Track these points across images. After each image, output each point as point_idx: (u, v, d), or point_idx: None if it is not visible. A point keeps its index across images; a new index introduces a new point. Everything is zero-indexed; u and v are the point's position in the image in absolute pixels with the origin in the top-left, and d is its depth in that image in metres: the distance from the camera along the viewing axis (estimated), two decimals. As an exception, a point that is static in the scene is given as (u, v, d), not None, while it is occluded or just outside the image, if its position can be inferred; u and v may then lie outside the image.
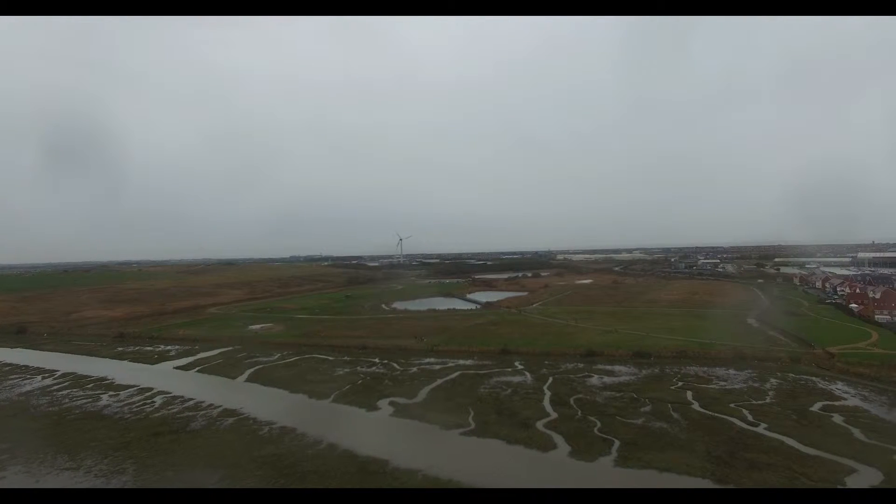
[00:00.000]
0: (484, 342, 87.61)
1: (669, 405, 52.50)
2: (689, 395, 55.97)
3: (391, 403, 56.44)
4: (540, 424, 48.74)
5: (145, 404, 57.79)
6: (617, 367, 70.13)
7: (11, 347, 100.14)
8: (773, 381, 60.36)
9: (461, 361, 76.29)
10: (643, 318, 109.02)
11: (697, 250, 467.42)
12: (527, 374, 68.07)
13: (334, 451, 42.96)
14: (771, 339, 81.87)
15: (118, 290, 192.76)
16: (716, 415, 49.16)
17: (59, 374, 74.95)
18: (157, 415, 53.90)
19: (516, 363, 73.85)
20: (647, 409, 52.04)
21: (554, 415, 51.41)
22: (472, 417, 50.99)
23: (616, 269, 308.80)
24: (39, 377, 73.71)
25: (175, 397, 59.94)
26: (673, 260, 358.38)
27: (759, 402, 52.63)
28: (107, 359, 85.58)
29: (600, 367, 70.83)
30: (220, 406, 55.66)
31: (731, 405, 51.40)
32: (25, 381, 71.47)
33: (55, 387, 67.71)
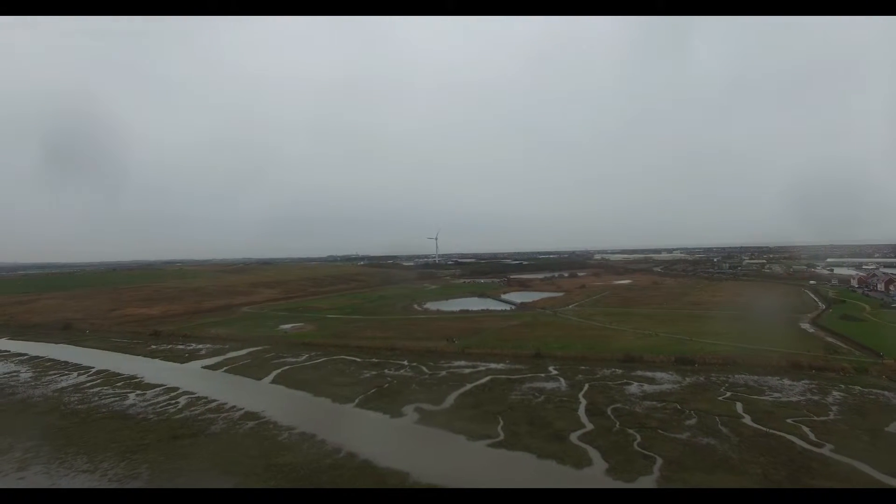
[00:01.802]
0: (517, 345, 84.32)
1: (717, 418, 48.01)
2: (739, 407, 51.22)
3: (416, 409, 53.96)
4: (574, 437, 45.29)
5: (169, 405, 57.29)
6: (658, 374, 65.69)
7: (56, 343, 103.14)
8: (835, 394, 54.71)
9: (492, 365, 73.26)
10: (685, 321, 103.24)
11: (742, 250, 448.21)
12: (561, 379, 64.48)
13: (353, 460, 40.77)
14: (830, 347, 75.28)
15: (158, 288, 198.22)
16: (771, 431, 44.39)
17: (93, 371, 76.04)
18: (178, 416, 53.15)
19: (550, 368, 70.26)
20: (693, 422, 47.76)
21: (589, 426, 47.82)
22: (502, 427, 47.94)
23: (656, 269, 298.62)
24: (75, 374, 74.91)
25: (199, 398, 59.28)
26: (716, 260, 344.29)
27: (822, 418, 47.35)
28: (140, 356, 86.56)
29: (640, 373, 66.56)
30: (243, 409, 54.48)
31: (789, 421, 46.37)
32: (62, 378, 72.70)
33: (88, 384, 68.44)
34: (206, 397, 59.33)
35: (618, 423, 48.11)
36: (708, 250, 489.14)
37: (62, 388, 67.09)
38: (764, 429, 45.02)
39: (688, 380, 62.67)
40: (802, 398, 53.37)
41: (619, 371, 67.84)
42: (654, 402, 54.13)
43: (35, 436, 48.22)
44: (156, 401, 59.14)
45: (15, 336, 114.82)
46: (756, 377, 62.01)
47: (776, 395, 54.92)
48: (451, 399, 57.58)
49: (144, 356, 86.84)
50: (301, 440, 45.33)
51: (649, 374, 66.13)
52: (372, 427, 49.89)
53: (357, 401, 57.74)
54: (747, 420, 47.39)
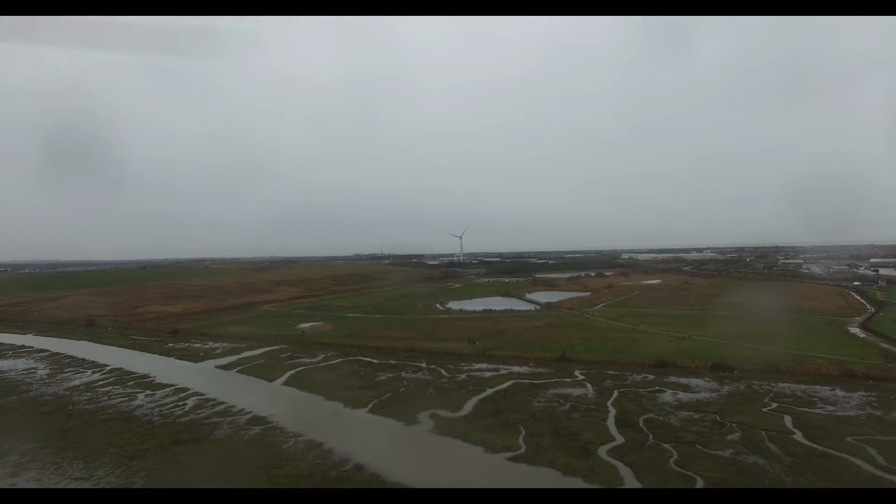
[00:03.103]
0: (541, 347, 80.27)
1: (764, 433, 43.24)
2: (787, 421, 46.22)
3: (432, 416, 50.62)
4: (603, 451, 41.28)
5: (176, 407, 55.23)
6: (693, 381, 60.91)
7: (77, 340, 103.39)
8: (901, 408, 49.10)
9: (515, 368, 69.50)
10: (720, 324, 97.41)
11: (776, 249, 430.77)
12: (588, 385, 60.33)
13: (361, 474, 37.60)
14: (887, 354, 68.90)
15: (183, 286, 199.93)
16: (828, 451, 39.36)
17: (108, 369, 75.04)
18: (184, 419, 50.95)
19: (576, 372, 66.14)
20: (735, 437, 43.14)
21: (620, 439, 43.70)
22: (523, 438, 44.23)
23: (685, 268, 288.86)
24: (90, 371, 74.03)
25: (207, 400, 57.11)
26: (748, 259, 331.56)
27: (890, 437, 41.67)
28: (156, 355, 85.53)
29: (673, 379, 61.90)
30: (250, 412, 51.97)
31: (849, 439, 41.14)
32: (76, 376, 71.83)
33: (100, 382, 67.24)
34: (214, 399, 57.14)
35: (651, 437, 43.89)
36: (739, 250, 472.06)
37: (74, 386, 66.02)
38: (820, 448, 40.01)
39: (727, 388, 57.81)
40: (862, 413, 47.85)
41: (651, 377, 63.34)
42: (691, 413, 49.61)
43: (37, 437, 46.60)
44: (164, 402, 57.23)
45: (41, 332, 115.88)
46: (804, 386, 56.64)
47: (830, 407, 49.56)
48: (469, 405, 54.10)
49: (160, 354, 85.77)
50: (307, 449, 42.41)
51: (684, 380, 61.44)
52: (384, 435, 46.79)
53: (370, 406, 54.72)
54: (799, 437, 42.44)
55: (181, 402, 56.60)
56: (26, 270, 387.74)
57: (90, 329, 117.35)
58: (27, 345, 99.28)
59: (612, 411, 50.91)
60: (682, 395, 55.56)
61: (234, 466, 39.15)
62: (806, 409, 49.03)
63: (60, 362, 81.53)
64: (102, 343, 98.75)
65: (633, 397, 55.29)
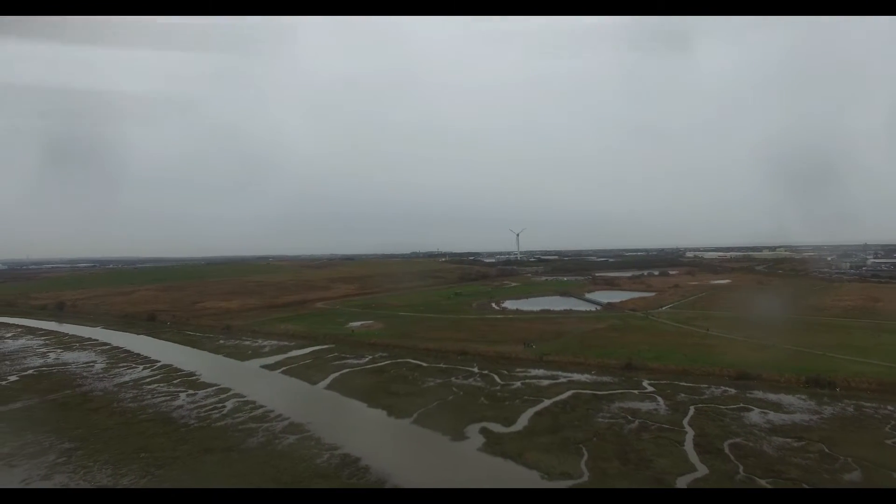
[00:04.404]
0: (603, 353, 73.37)
1: (894, 474, 35.19)
2: (922, 458, 37.77)
3: (482, 430, 45.60)
4: (682, 484, 34.81)
5: (214, 409, 52.97)
6: (784, 399, 52.57)
7: (137, 334, 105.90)
8: None
9: (575, 377, 63.33)
10: (808, 330, 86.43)
11: (864, 248, 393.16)
12: (659, 399, 53.35)
13: (398, 500, 33.18)
14: None
15: (242, 282, 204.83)
16: None
17: (158, 365, 74.93)
18: (219, 423, 48.47)
19: (644, 383, 59.18)
20: (854, 476, 35.27)
21: (702, 469, 36.97)
22: (586, 462, 38.38)
23: (758, 268, 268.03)
24: (141, 367, 74.17)
25: (247, 402, 54.61)
26: (830, 259, 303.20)
27: None
28: (205, 352, 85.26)
29: (759, 395, 53.83)
30: (288, 419, 48.77)
31: None
32: (128, 371, 72.05)
33: (147, 379, 66.81)
34: (253, 402, 54.56)
35: (741, 468, 36.89)
36: (818, 248, 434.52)
37: (123, 382, 65.86)
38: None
39: (828, 409, 49.20)
40: None
41: (733, 391, 55.51)
42: (788, 440, 41.91)
43: (77, 436, 45.61)
44: (204, 403, 55.26)
45: (108, 325, 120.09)
46: (934, 413, 47.10)
47: (977, 443, 40.30)
48: (524, 419, 48.64)
49: (210, 351, 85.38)
50: (341, 465, 38.44)
51: (773, 397, 53.25)
52: (427, 452, 42.25)
53: (415, 416, 50.30)
54: (943, 481, 34.13)
55: (220, 404, 54.43)
56: (110, 266, 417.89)
57: (151, 324, 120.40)
58: (93, 337, 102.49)
59: (690, 432, 44.05)
60: (772, 416, 47.69)
61: (260, 482, 35.67)
62: (943, 444, 40.09)
63: (117, 356, 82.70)
64: (159, 338, 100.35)
65: (714, 416, 48.02)
